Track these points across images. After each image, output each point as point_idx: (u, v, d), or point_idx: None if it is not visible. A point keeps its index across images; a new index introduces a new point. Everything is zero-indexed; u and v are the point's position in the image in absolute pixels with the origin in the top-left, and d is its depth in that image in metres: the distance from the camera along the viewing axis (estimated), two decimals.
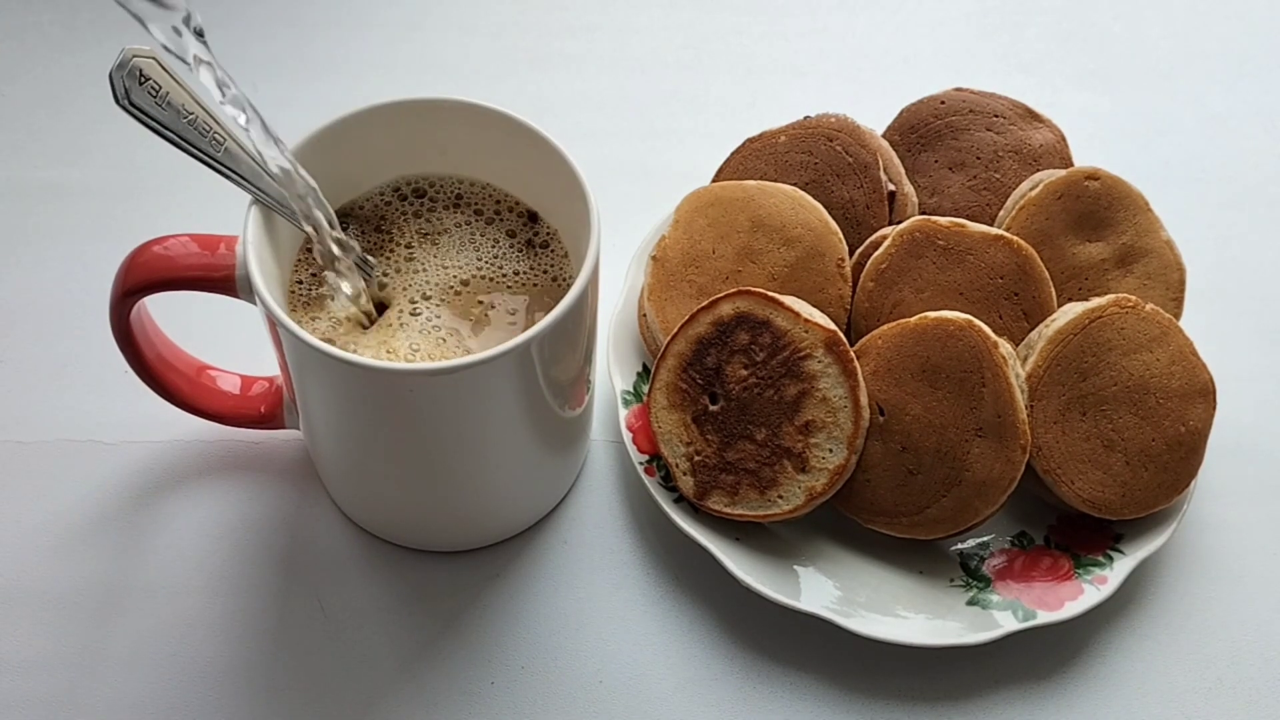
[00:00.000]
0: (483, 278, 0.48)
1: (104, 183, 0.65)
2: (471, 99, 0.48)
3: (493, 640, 0.49)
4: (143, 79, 0.40)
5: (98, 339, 0.50)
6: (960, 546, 0.51)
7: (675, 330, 0.51)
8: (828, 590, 0.49)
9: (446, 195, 0.50)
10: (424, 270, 0.48)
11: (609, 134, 0.69)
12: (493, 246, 0.48)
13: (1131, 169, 0.56)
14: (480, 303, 0.47)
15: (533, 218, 0.50)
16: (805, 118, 0.57)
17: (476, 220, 0.49)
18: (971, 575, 0.50)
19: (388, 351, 0.45)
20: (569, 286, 0.43)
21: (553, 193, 0.49)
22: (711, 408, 0.50)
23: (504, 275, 0.48)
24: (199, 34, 0.38)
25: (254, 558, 0.51)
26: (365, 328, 0.46)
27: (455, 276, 0.48)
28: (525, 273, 0.48)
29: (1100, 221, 0.54)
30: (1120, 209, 0.54)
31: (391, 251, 0.48)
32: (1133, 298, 0.50)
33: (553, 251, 0.49)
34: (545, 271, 0.48)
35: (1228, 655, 0.50)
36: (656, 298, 0.54)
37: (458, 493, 0.49)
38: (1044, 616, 0.48)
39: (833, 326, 0.49)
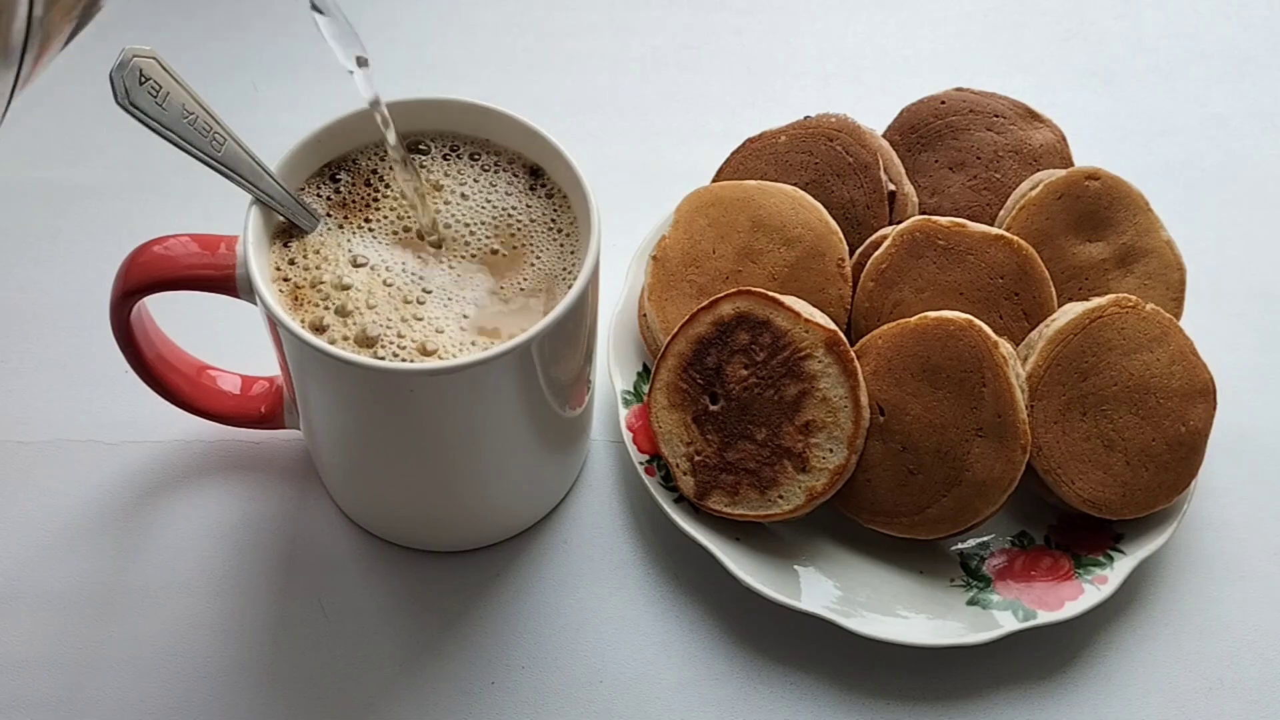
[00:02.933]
0: (483, 224, 0.47)
1: (104, 183, 0.65)
2: (472, 99, 0.48)
3: (493, 640, 0.49)
4: (143, 79, 0.40)
5: (98, 339, 0.50)
6: (960, 546, 0.51)
7: (675, 330, 0.51)
8: (828, 590, 0.49)
9: (442, 146, 0.49)
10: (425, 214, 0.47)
11: (609, 134, 0.69)
12: (489, 189, 0.47)
13: (1132, 169, 0.56)
14: (489, 249, 0.46)
15: (535, 172, 0.49)
16: (805, 118, 0.57)
17: (473, 165, 0.48)
18: (972, 575, 0.50)
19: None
20: (572, 243, 0.42)
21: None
22: (712, 407, 0.50)
23: (506, 223, 0.47)
24: None
25: (254, 558, 0.51)
26: (430, 242, 0.46)
27: (457, 221, 0.47)
28: (529, 222, 0.47)
29: (1100, 221, 0.54)
30: (1120, 209, 0.54)
31: (382, 203, 0.48)
32: (1133, 297, 0.50)
33: (555, 204, 0.48)
34: (551, 222, 0.47)
35: (1229, 655, 0.50)
36: (657, 297, 0.54)
37: (458, 492, 0.49)
38: (1044, 616, 0.48)
39: (833, 326, 0.49)
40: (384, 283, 0.45)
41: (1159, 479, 0.49)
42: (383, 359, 0.43)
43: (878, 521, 0.50)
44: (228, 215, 0.47)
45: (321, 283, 0.45)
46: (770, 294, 0.49)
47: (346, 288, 0.45)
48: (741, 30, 0.76)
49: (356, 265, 0.45)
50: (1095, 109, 0.72)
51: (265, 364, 0.49)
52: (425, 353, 0.43)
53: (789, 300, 0.49)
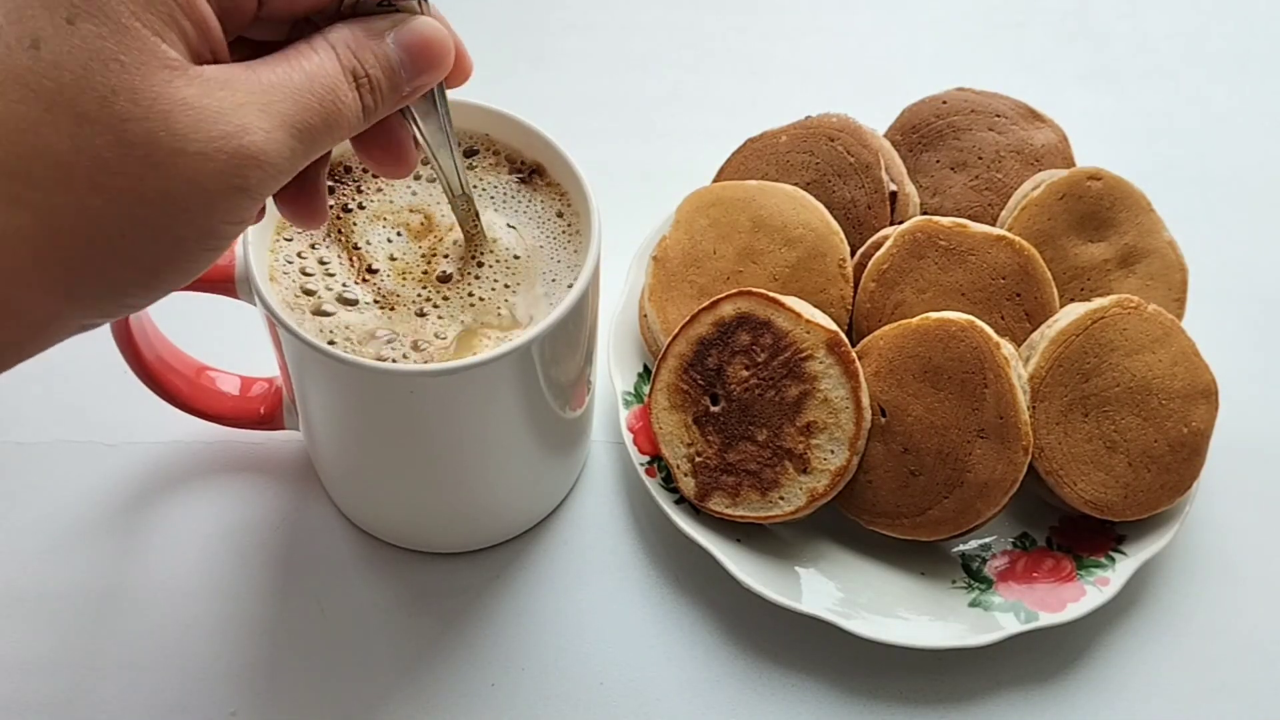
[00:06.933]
0: (483, 224, 0.47)
1: None
2: (472, 99, 0.48)
3: (493, 642, 0.49)
4: None
5: (98, 339, 0.49)
6: (962, 548, 0.51)
7: (676, 331, 0.51)
8: (829, 592, 0.49)
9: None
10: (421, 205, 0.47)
11: (609, 134, 0.69)
12: (489, 189, 0.47)
13: (1134, 169, 0.56)
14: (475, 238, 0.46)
15: (535, 172, 0.48)
16: (806, 117, 0.57)
17: (473, 166, 0.48)
18: (973, 577, 0.50)
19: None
20: (572, 243, 0.42)
21: None
22: (713, 409, 0.50)
23: (506, 224, 0.47)
24: None
25: (253, 559, 0.51)
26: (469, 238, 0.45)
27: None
28: (529, 223, 0.47)
29: (1102, 222, 0.54)
30: (1122, 209, 0.54)
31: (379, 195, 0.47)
32: (1135, 298, 0.50)
33: (555, 204, 0.47)
34: (551, 222, 0.47)
35: (1231, 657, 0.50)
36: (657, 298, 0.54)
37: (458, 494, 0.49)
38: (1046, 618, 0.48)
39: (834, 327, 0.49)
40: (384, 282, 0.45)
41: (1161, 480, 0.49)
42: (383, 360, 0.43)
43: (879, 523, 0.49)
44: None
45: (321, 282, 0.45)
46: (771, 294, 0.49)
47: (346, 288, 0.44)
48: (743, 29, 0.75)
49: (355, 266, 0.45)
50: (1097, 109, 0.72)
51: (265, 365, 0.49)
52: (425, 354, 0.43)
53: (790, 301, 0.49)
